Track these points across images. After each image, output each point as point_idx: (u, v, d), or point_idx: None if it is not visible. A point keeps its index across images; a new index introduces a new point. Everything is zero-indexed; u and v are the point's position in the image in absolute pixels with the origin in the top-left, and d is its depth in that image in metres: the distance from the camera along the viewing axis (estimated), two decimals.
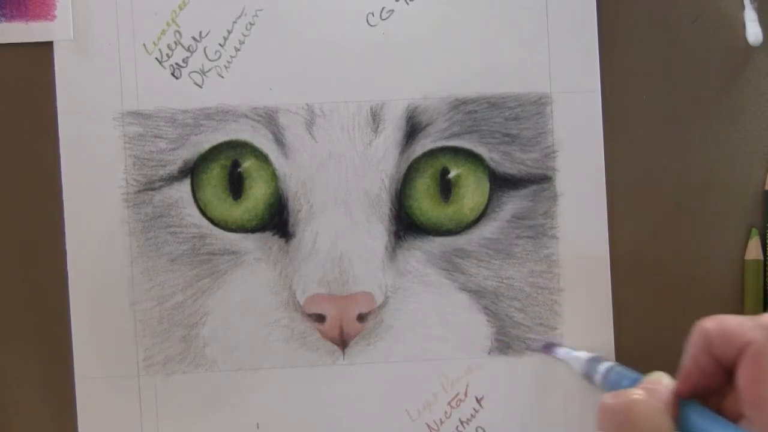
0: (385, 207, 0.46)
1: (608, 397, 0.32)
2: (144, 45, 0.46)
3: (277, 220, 0.46)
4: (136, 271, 0.46)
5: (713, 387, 0.34)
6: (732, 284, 0.47)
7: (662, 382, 0.34)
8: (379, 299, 0.46)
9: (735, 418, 0.33)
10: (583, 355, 0.45)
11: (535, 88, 0.47)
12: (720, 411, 0.33)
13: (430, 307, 0.46)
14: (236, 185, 0.46)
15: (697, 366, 0.33)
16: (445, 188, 0.46)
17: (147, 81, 0.46)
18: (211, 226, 0.46)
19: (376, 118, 0.46)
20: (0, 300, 0.46)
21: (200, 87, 0.46)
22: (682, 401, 0.34)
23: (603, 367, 0.42)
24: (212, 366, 0.46)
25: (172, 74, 0.46)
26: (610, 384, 0.41)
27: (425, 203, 0.46)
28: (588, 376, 0.43)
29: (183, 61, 0.46)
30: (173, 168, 0.46)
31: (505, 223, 0.47)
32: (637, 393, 0.33)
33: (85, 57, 0.46)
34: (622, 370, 0.41)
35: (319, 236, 0.46)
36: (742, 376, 0.32)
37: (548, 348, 0.46)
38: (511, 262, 0.47)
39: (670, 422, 0.32)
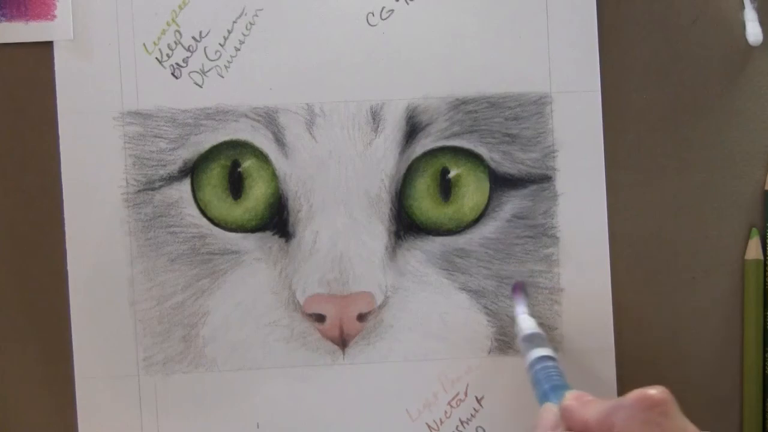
0: (385, 207, 0.46)
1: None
2: (144, 45, 0.46)
3: (277, 220, 0.46)
4: (136, 271, 0.46)
5: None
6: (732, 284, 0.47)
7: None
8: (379, 299, 0.46)
9: None
10: (526, 328, 0.43)
11: (535, 88, 0.47)
12: None
13: (430, 307, 0.46)
14: (236, 185, 0.46)
15: None
16: (445, 188, 0.46)
17: (147, 81, 0.46)
18: (211, 226, 0.46)
19: (376, 117, 0.46)
20: (0, 300, 0.46)
21: (200, 87, 0.46)
22: None
23: (533, 355, 0.41)
24: (212, 366, 0.46)
25: (172, 74, 0.46)
26: (534, 376, 0.40)
27: (425, 203, 0.46)
28: (522, 351, 0.42)
29: (183, 61, 0.46)
30: (173, 168, 0.46)
31: (505, 223, 0.47)
32: None
33: (85, 57, 0.46)
34: (548, 374, 0.39)
35: (319, 236, 0.46)
36: None
37: (517, 290, 0.46)
38: (511, 262, 0.47)
39: None
